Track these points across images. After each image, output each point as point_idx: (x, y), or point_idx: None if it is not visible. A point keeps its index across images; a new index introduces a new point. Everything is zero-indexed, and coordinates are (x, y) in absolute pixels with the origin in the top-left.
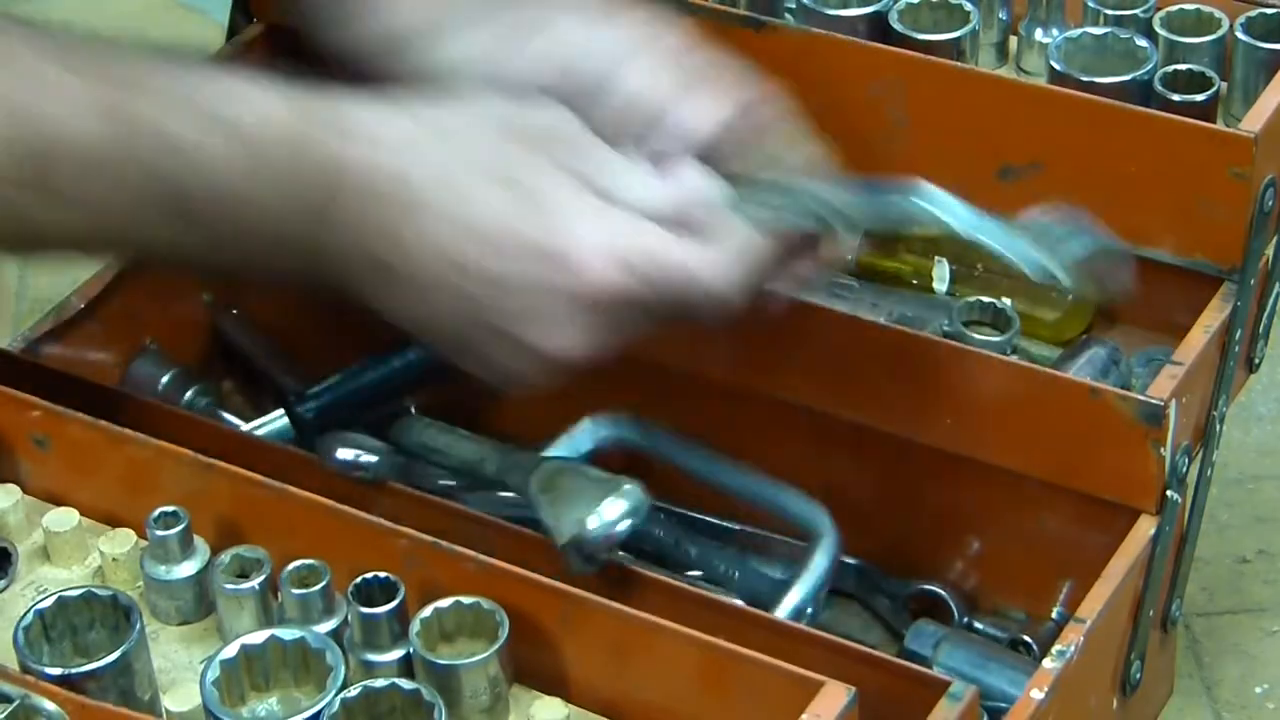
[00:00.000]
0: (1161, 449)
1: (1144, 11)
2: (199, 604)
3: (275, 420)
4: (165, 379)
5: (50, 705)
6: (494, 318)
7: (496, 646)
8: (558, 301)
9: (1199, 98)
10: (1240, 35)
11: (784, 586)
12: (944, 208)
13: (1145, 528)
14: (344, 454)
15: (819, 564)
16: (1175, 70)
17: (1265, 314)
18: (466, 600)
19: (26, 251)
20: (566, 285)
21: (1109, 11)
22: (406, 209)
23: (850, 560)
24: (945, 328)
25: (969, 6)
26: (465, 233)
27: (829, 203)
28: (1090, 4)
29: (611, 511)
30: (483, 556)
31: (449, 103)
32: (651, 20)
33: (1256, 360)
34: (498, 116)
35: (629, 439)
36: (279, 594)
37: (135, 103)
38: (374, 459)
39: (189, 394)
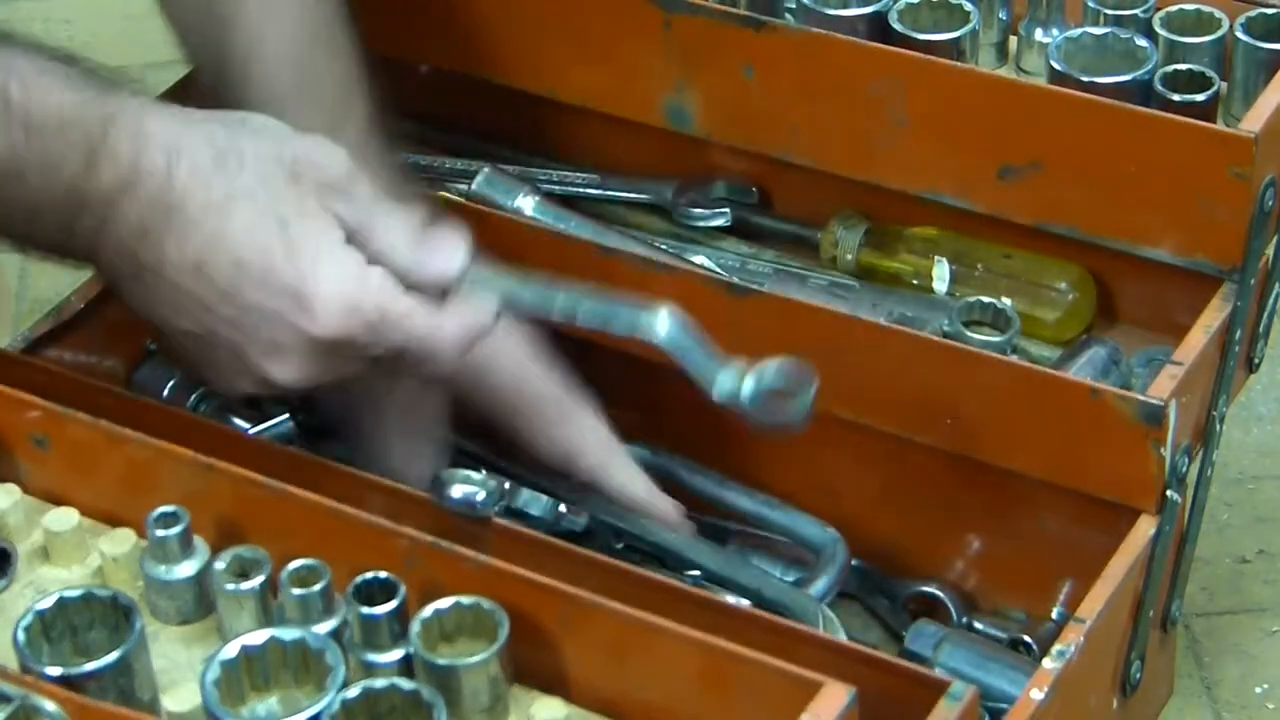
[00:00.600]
0: (1161, 449)
1: (1144, 11)
2: (199, 604)
3: (279, 424)
4: (171, 384)
5: (50, 705)
6: (229, 335)
7: (497, 647)
8: (290, 336)
9: (1199, 98)
10: (1240, 35)
11: (787, 593)
12: (656, 334)
13: (1145, 528)
14: (458, 491)
15: (821, 586)
16: (1175, 70)
17: (1265, 314)
18: (466, 600)
19: None
20: (301, 324)
21: (1109, 11)
22: (174, 220)
23: (851, 561)
24: (945, 328)
25: (969, 6)
26: (225, 257)
27: (558, 300)
28: (1090, 4)
29: None
30: (483, 556)
31: (245, 131)
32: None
33: (1256, 360)
34: (286, 156)
35: (640, 459)
36: (279, 594)
37: None
38: (485, 494)
39: (193, 398)
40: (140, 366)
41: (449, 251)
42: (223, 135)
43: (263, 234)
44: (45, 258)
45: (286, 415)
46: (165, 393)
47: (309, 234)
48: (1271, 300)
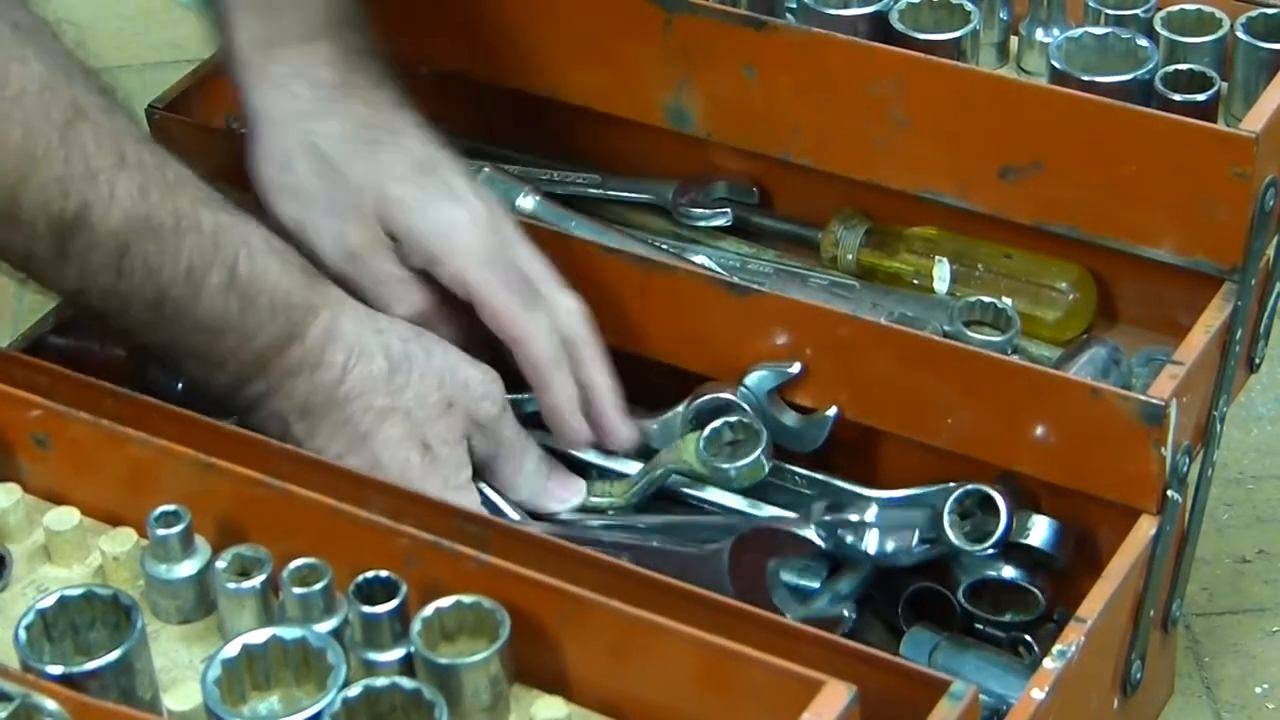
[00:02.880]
0: (1162, 449)
1: (1145, 11)
2: (200, 603)
3: None
4: (180, 385)
5: (51, 704)
6: None
7: (497, 646)
8: None
9: (1200, 97)
10: (1241, 35)
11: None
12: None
13: (1146, 528)
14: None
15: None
16: (1176, 70)
17: (1266, 314)
18: (467, 599)
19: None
20: None
21: (1110, 11)
22: (334, 411)
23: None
24: (945, 328)
25: (970, 6)
26: (366, 458)
27: None
28: (1091, 4)
29: None
30: (484, 556)
31: (420, 347)
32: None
33: (1257, 360)
34: (449, 381)
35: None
36: (280, 593)
37: (165, 208)
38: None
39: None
40: (149, 365)
41: (564, 495)
42: (399, 349)
43: (405, 450)
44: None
45: None
46: (177, 391)
47: (446, 462)
48: (1272, 300)
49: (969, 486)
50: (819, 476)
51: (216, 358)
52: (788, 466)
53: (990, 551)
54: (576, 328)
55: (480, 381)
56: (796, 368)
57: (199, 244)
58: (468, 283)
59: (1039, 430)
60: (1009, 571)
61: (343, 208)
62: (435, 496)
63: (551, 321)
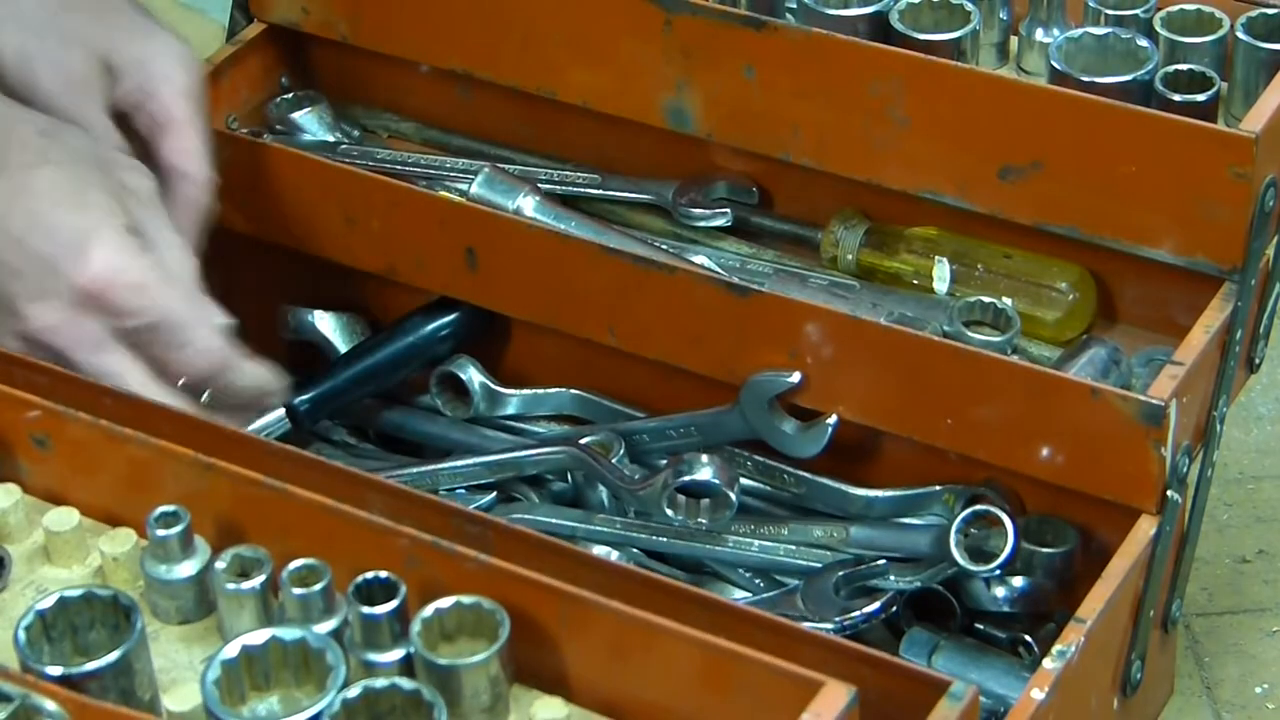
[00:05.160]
0: (1162, 449)
1: (1145, 11)
2: (199, 604)
3: (276, 421)
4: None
5: (51, 705)
6: (6, 283)
7: (497, 646)
8: (59, 283)
9: (1200, 98)
10: (1241, 35)
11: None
12: None
13: (1145, 528)
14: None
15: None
16: (1176, 70)
17: (1266, 314)
18: (467, 600)
19: None
20: (72, 272)
21: (1110, 11)
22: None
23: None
24: (945, 328)
25: (970, 6)
26: (22, 205)
27: None
28: (1091, 4)
29: None
30: (483, 556)
31: (68, 129)
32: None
33: (1257, 360)
34: (102, 154)
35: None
36: (279, 594)
37: None
38: None
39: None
40: None
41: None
42: (47, 123)
43: (62, 194)
44: None
45: (282, 413)
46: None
47: (102, 205)
48: (1272, 300)
49: (978, 508)
50: (808, 476)
51: None
52: (779, 466)
53: (996, 572)
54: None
55: (131, 161)
56: (796, 377)
57: None
58: (178, 110)
59: (1039, 430)
60: (1007, 593)
61: (69, 38)
62: (90, 231)
63: None
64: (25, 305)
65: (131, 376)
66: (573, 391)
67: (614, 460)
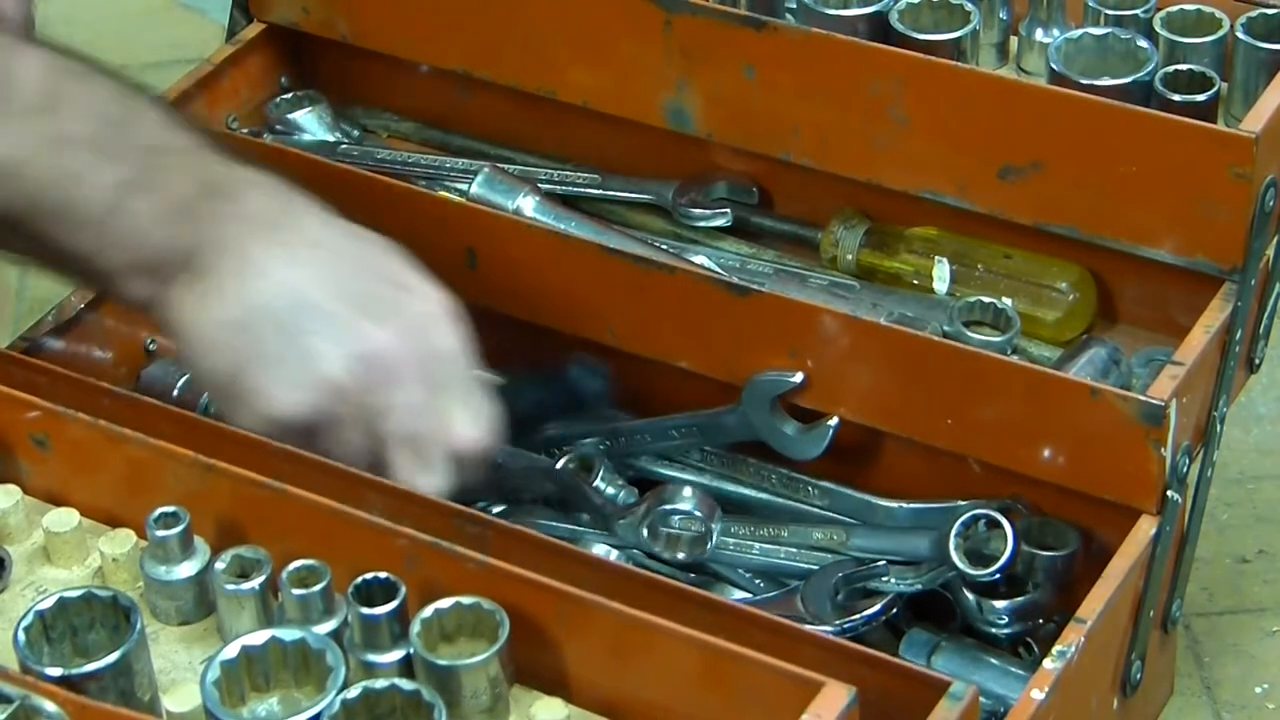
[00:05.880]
0: (1162, 449)
1: (1144, 12)
2: (199, 604)
3: None
4: (181, 382)
5: (50, 706)
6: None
7: (497, 647)
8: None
9: (1199, 98)
10: (1241, 35)
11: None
12: None
13: (1146, 528)
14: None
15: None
16: (1176, 70)
17: (1266, 314)
18: (467, 600)
19: None
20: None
21: (1109, 12)
22: (281, 233)
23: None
24: (945, 328)
25: (969, 6)
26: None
27: None
28: (1091, 4)
29: None
30: (483, 556)
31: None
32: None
33: (1257, 360)
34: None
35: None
36: (279, 594)
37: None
38: None
39: (205, 397)
40: (149, 365)
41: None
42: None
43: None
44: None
45: None
46: (175, 392)
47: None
48: (1272, 300)
49: (977, 512)
50: (832, 486)
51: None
52: (801, 477)
53: (996, 576)
54: None
55: (387, 250)
56: (799, 377)
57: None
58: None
59: (1039, 430)
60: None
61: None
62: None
63: None
64: (283, 391)
65: (403, 460)
66: None
67: (597, 477)
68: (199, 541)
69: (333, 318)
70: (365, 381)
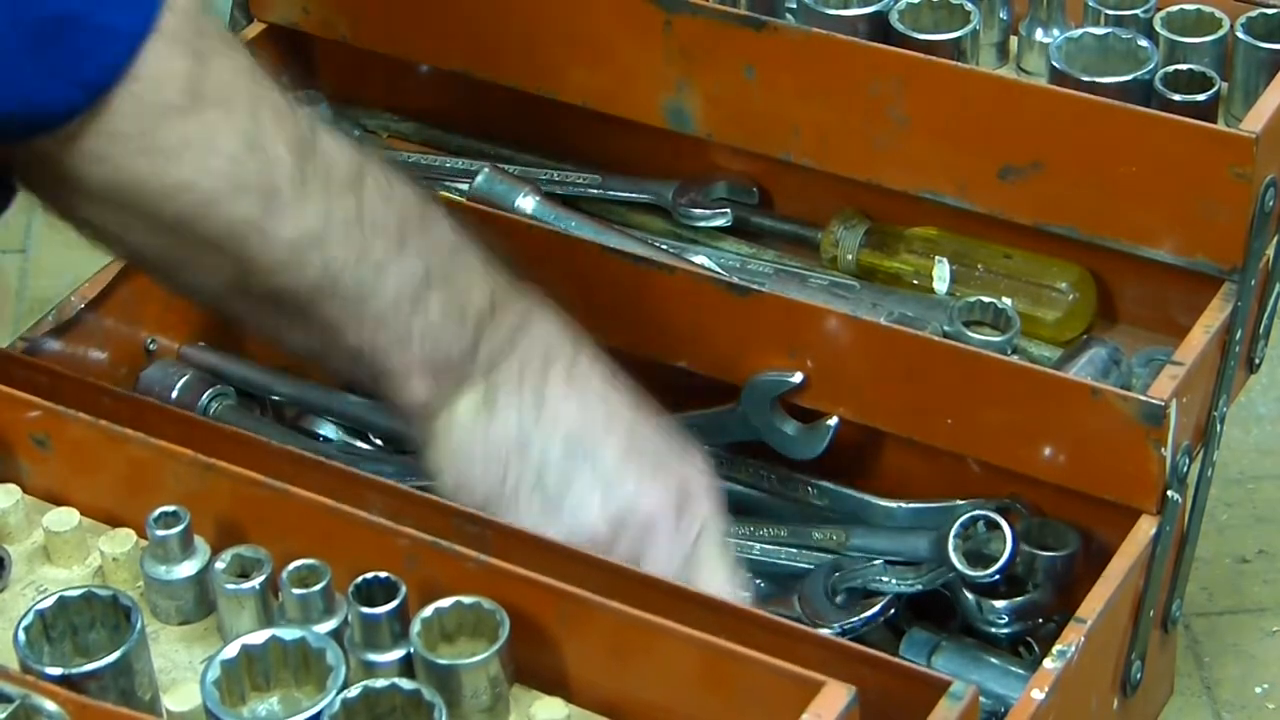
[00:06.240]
0: (1162, 449)
1: (1145, 11)
2: (199, 604)
3: None
4: (181, 383)
5: (51, 705)
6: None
7: (497, 646)
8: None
9: (1200, 98)
10: (1241, 35)
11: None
12: None
13: (1146, 528)
14: None
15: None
16: (1176, 70)
17: (1266, 314)
18: (467, 600)
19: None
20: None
21: (1110, 11)
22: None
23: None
24: (945, 328)
25: (969, 6)
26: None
27: None
28: (1091, 4)
29: None
30: (483, 556)
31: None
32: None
33: (1257, 360)
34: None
35: None
36: (279, 594)
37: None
38: None
39: (204, 398)
40: (148, 366)
41: None
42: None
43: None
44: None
45: None
46: (175, 393)
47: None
48: (1272, 300)
49: (976, 513)
50: (831, 486)
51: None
52: (800, 477)
53: (995, 577)
54: None
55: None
56: (798, 377)
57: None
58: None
59: (1039, 430)
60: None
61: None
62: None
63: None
64: (538, 525)
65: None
66: None
67: None
68: (199, 541)
69: (602, 468)
70: (621, 535)
